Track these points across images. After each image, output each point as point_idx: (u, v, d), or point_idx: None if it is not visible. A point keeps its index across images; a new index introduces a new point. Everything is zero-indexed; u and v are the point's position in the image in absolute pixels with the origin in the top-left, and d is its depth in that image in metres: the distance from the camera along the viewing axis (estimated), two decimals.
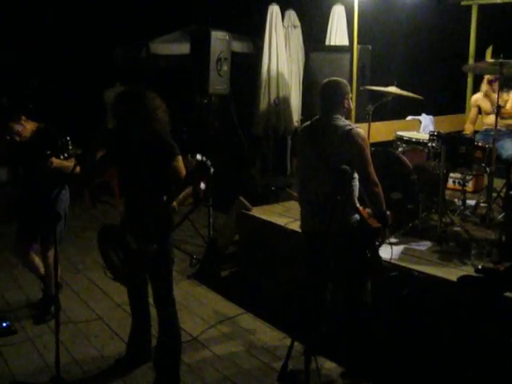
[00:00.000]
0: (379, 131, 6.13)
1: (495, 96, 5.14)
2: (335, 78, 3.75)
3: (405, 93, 5.42)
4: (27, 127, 4.59)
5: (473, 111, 6.18)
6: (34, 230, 4.76)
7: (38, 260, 4.89)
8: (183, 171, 3.47)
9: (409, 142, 5.25)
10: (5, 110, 4.74)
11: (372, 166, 3.50)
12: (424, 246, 4.45)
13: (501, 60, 4.65)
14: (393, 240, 3.73)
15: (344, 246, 3.55)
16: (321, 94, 3.71)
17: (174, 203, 3.43)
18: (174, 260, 3.80)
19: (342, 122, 3.57)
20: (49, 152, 4.39)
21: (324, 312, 3.85)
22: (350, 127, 3.50)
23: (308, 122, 3.79)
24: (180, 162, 3.51)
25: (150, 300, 3.89)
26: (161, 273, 3.67)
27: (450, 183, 6.05)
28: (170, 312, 3.76)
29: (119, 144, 3.60)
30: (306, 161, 3.68)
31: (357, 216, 3.56)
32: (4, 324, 4.52)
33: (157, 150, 3.49)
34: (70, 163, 4.42)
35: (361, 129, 3.54)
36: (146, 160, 3.50)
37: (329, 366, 3.96)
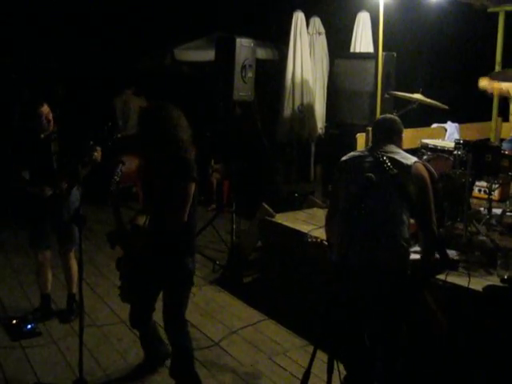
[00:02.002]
0: (404, 139, 6.05)
1: None
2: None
3: (429, 100, 5.39)
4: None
5: None
6: (49, 234, 4.80)
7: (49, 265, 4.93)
8: (187, 200, 3.39)
9: (434, 149, 5.20)
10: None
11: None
12: (449, 255, 4.39)
13: None
14: (417, 249, 3.68)
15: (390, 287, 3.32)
16: (380, 126, 3.65)
17: None
18: (193, 283, 3.68)
19: (404, 154, 3.48)
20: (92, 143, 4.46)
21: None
22: (414, 160, 3.41)
23: (357, 152, 3.62)
24: (190, 189, 3.41)
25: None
26: (175, 286, 3.59)
27: (476, 192, 5.98)
28: (179, 334, 3.63)
29: (141, 156, 3.63)
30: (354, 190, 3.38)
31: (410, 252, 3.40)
32: (29, 326, 4.58)
33: (171, 171, 3.44)
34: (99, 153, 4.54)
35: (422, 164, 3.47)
36: (160, 177, 3.50)
37: None
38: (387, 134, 3.54)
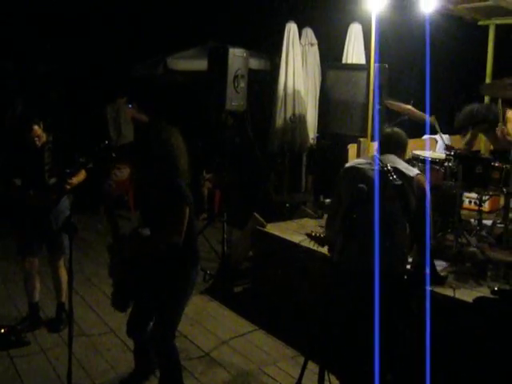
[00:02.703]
0: None
1: None
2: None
3: (419, 114, 5.42)
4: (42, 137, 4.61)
5: None
6: (37, 242, 4.77)
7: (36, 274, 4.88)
8: (183, 218, 3.38)
9: (425, 161, 5.22)
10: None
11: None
12: (439, 266, 4.41)
13: None
14: (409, 259, 3.71)
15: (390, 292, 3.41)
16: (388, 139, 3.76)
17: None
18: (191, 294, 3.70)
19: (407, 165, 3.62)
20: (68, 171, 4.50)
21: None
22: (416, 172, 3.55)
23: (362, 160, 3.75)
24: (185, 211, 3.40)
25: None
26: (174, 296, 3.56)
27: (466, 203, 6.00)
28: (169, 345, 3.58)
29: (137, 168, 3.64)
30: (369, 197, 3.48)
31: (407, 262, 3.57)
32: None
33: (164, 193, 3.45)
34: (80, 176, 4.62)
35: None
36: (154, 194, 3.51)
37: None
38: (393, 146, 3.68)
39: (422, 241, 3.52)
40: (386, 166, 3.50)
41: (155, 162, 3.42)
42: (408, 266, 3.66)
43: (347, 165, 3.74)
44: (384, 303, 3.41)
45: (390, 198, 3.43)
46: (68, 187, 4.59)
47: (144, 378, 4.01)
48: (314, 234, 3.99)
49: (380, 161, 3.57)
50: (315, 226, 5.65)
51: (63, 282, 4.84)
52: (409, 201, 3.45)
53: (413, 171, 3.55)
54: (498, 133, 5.23)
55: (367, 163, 3.62)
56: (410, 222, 3.51)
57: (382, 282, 3.40)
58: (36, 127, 4.52)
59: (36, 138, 4.53)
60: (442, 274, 3.80)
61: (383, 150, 3.71)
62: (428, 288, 3.66)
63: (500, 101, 5.93)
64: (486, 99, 7.01)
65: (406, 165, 3.61)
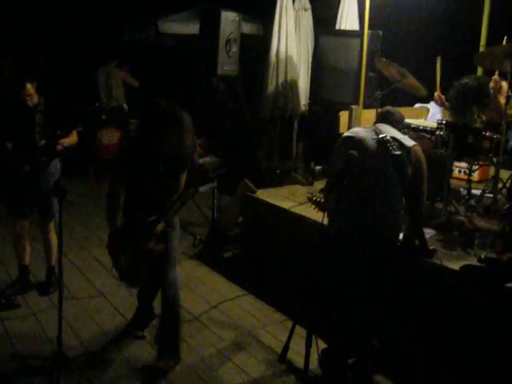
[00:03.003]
0: None
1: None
2: None
3: (411, 80, 5.39)
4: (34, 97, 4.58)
5: None
6: (28, 204, 4.75)
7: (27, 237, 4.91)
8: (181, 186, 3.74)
9: (416, 129, 5.21)
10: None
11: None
12: (428, 234, 4.43)
13: None
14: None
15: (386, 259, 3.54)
16: (386, 114, 3.84)
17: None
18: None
19: (404, 136, 3.71)
20: (59, 132, 4.51)
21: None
22: (413, 143, 3.60)
23: (361, 129, 3.80)
24: (183, 178, 3.74)
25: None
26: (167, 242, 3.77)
27: (456, 172, 6.03)
28: (172, 277, 3.82)
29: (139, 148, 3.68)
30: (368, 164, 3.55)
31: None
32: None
33: (173, 164, 3.68)
34: (71, 138, 4.64)
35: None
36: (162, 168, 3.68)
37: None
38: (391, 120, 3.77)
39: (416, 213, 3.62)
40: (386, 136, 3.55)
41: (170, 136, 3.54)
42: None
43: (345, 134, 3.75)
44: (373, 272, 3.47)
45: (388, 167, 3.48)
46: (59, 147, 4.56)
47: (144, 325, 4.21)
48: (315, 199, 4.02)
49: (379, 129, 3.63)
50: (305, 192, 5.67)
51: (53, 246, 4.83)
52: (406, 171, 3.50)
53: (410, 142, 3.60)
54: (492, 105, 5.20)
55: (366, 132, 3.66)
56: (405, 193, 3.55)
57: (372, 250, 3.46)
58: (29, 86, 4.48)
59: (28, 97, 4.48)
60: (430, 247, 3.82)
61: (381, 120, 3.79)
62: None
63: (497, 72, 5.88)
64: (480, 69, 6.96)
65: (404, 136, 3.69)
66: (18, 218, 4.77)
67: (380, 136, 3.57)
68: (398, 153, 3.47)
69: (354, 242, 3.50)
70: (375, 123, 3.84)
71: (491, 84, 5.25)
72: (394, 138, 3.56)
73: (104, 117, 8.16)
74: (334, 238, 3.39)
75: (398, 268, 3.62)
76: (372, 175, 3.51)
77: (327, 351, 3.64)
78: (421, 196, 3.62)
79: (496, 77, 5.24)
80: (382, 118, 3.82)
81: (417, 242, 3.73)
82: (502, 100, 5.04)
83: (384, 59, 5.78)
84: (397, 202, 3.56)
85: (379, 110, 4.01)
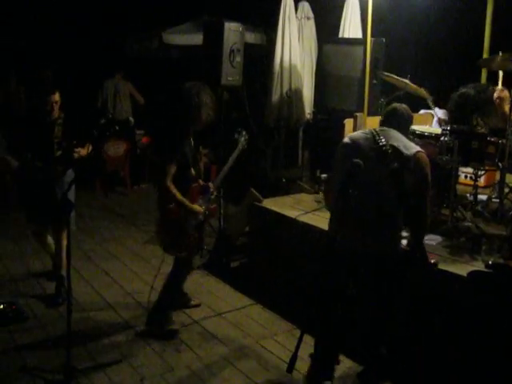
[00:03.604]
0: None
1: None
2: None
3: (415, 87, 5.40)
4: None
5: None
6: (45, 214, 4.90)
7: (50, 240, 5.15)
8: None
9: (421, 136, 5.22)
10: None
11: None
12: (435, 240, 4.44)
13: None
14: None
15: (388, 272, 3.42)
16: (392, 113, 3.66)
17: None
18: None
19: (407, 143, 3.49)
20: (75, 142, 4.76)
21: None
22: (419, 149, 3.43)
23: (362, 135, 3.59)
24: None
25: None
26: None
27: (462, 178, 6.02)
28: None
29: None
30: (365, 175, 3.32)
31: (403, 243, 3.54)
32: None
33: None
34: (85, 149, 4.87)
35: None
36: None
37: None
38: (396, 121, 3.59)
39: (421, 223, 3.49)
40: (385, 146, 3.38)
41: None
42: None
43: (343, 140, 3.65)
44: (376, 283, 3.43)
45: (385, 178, 3.32)
46: (76, 155, 4.77)
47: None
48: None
49: (379, 136, 3.44)
50: (311, 201, 5.67)
51: (64, 255, 4.78)
52: (403, 184, 3.31)
53: (412, 149, 3.40)
54: (497, 114, 5.19)
55: (365, 139, 3.49)
56: (404, 204, 3.38)
57: (374, 262, 3.38)
58: (57, 93, 4.82)
59: (55, 104, 4.78)
60: (432, 260, 3.75)
61: (385, 123, 3.62)
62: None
63: (501, 75, 5.88)
64: (484, 73, 6.97)
65: (406, 142, 3.48)
66: (37, 226, 4.99)
67: (380, 144, 3.39)
68: (393, 167, 3.29)
69: (354, 255, 3.42)
70: (380, 125, 3.69)
71: (495, 94, 5.26)
72: (393, 147, 3.37)
73: (117, 128, 8.27)
74: (338, 248, 3.25)
75: (403, 278, 3.53)
76: (368, 188, 3.33)
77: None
78: (424, 208, 3.44)
79: (500, 87, 5.26)
80: (386, 121, 3.64)
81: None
82: (507, 108, 5.04)
83: (384, 73, 5.81)
84: (395, 215, 3.40)
85: (384, 110, 3.84)
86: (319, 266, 3.07)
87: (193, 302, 4.90)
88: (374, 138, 3.46)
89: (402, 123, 3.61)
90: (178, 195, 4.14)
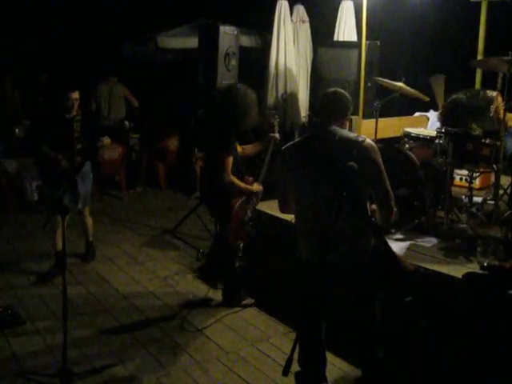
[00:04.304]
0: (386, 127, 6.12)
1: None
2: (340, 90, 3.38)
3: (411, 90, 5.42)
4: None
5: None
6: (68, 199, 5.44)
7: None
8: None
9: (416, 138, 5.24)
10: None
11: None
12: (430, 242, 4.45)
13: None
14: (399, 236, 3.71)
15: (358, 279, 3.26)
16: (326, 100, 3.35)
17: None
18: None
19: (349, 132, 3.26)
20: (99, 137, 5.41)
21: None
22: (361, 139, 3.16)
23: (298, 139, 3.42)
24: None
25: None
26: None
27: (457, 180, 6.04)
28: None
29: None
30: (306, 182, 3.24)
31: (372, 241, 3.26)
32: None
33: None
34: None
35: (370, 140, 3.21)
36: None
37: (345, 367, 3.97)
38: (333, 111, 3.29)
39: (389, 205, 3.25)
40: (316, 136, 3.23)
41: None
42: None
43: (284, 146, 3.42)
44: (357, 291, 3.35)
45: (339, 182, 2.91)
46: (100, 144, 5.42)
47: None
48: None
49: (311, 134, 3.28)
50: None
51: (90, 226, 5.99)
52: (361, 177, 3.03)
53: (361, 136, 3.19)
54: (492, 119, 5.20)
55: (305, 144, 3.31)
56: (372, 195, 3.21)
57: (350, 275, 3.24)
58: (77, 92, 5.45)
59: (75, 101, 5.39)
60: (411, 266, 3.67)
61: (323, 117, 3.31)
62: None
63: (500, 75, 5.88)
64: (478, 75, 7.00)
65: (352, 133, 3.27)
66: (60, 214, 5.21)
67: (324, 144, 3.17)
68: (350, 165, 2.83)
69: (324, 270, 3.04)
70: (319, 121, 3.34)
71: (492, 106, 5.26)
72: (342, 140, 3.15)
73: (131, 124, 8.47)
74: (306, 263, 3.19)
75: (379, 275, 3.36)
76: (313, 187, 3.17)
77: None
78: (388, 196, 3.21)
79: (499, 98, 5.27)
80: (323, 110, 3.32)
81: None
82: (502, 112, 5.05)
83: (378, 78, 5.84)
84: (357, 216, 3.11)
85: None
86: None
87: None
88: (305, 138, 3.33)
89: (338, 112, 3.31)
90: (242, 184, 4.54)
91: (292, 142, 3.43)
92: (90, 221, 5.99)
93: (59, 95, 5.45)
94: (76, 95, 5.42)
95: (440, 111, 5.39)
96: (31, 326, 4.52)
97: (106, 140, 5.44)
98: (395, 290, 3.51)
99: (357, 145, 3.14)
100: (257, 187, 4.72)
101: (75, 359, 3.96)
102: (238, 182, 4.51)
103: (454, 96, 5.07)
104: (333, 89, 3.40)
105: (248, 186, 4.63)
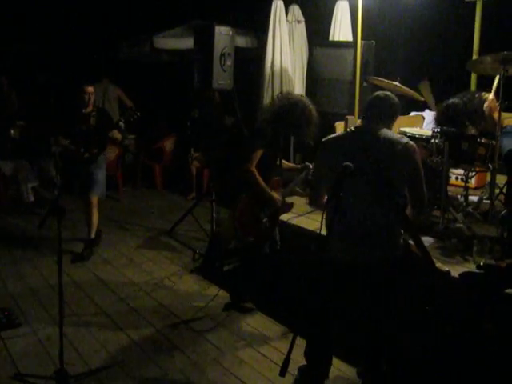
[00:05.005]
0: None
1: None
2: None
3: (407, 90, 5.43)
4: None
5: None
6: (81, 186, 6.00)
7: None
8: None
9: (412, 137, 5.24)
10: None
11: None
12: (426, 242, 4.45)
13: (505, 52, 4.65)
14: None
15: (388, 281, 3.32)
16: (374, 102, 3.43)
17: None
18: None
19: (393, 133, 3.32)
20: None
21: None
22: (405, 140, 3.25)
23: (339, 133, 3.51)
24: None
25: None
26: None
27: (453, 179, 6.05)
28: None
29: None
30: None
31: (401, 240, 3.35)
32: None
33: None
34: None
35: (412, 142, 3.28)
36: None
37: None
38: (380, 114, 3.37)
39: (422, 201, 3.36)
40: (362, 133, 3.28)
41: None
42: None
43: (325, 138, 3.49)
44: (374, 293, 3.37)
45: (370, 178, 3.15)
46: (111, 136, 5.99)
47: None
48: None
49: (356, 130, 3.33)
50: (304, 204, 5.67)
51: (94, 222, 6.16)
52: (391, 180, 3.16)
53: (406, 138, 3.27)
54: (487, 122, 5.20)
55: (349, 136, 3.37)
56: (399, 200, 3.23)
57: (375, 274, 3.29)
58: (91, 87, 5.95)
59: (90, 95, 5.87)
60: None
61: (369, 117, 3.39)
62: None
63: (498, 77, 5.88)
64: (473, 76, 7.01)
65: (392, 135, 3.31)
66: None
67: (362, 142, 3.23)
68: (380, 165, 3.12)
69: (351, 266, 3.27)
70: (363, 120, 3.44)
71: (486, 104, 5.26)
72: (386, 139, 3.23)
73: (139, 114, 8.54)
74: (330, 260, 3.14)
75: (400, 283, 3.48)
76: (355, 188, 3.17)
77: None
78: (423, 200, 3.34)
79: (491, 96, 5.27)
80: (369, 112, 3.40)
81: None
82: (497, 115, 5.05)
83: (374, 78, 5.84)
84: (388, 215, 3.22)
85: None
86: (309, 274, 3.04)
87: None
88: (356, 134, 3.35)
89: (387, 115, 3.39)
90: (260, 181, 4.43)
91: (333, 135, 3.51)
92: (96, 215, 6.16)
93: (76, 90, 5.91)
94: (91, 89, 5.89)
95: (435, 117, 5.38)
96: (27, 328, 4.50)
97: (117, 134, 5.99)
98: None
99: (400, 145, 3.23)
100: (276, 195, 4.56)
101: (72, 361, 3.94)
102: (258, 176, 4.41)
103: (449, 101, 5.06)
104: (383, 92, 3.50)
105: (265, 186, 4.46)
